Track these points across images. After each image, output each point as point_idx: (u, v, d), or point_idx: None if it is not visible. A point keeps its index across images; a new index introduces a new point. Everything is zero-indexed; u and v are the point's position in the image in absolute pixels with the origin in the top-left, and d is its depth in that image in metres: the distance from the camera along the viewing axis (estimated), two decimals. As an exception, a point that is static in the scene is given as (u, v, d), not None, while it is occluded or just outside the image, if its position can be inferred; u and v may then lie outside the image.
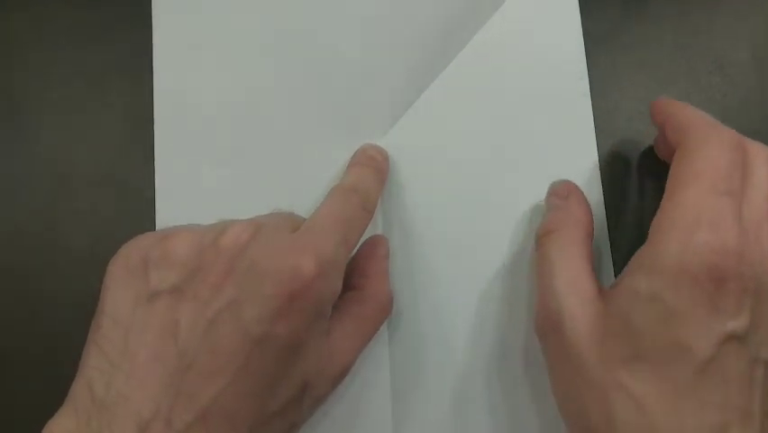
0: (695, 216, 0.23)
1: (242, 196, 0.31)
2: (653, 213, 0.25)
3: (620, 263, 0.31)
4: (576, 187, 0.30)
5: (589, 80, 0.33)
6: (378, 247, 0.30)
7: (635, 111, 0.33)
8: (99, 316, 0.23)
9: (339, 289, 0.25)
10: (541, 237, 0.28)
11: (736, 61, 0.34)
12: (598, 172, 0.32)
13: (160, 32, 0.32)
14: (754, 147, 0.25)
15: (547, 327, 0.26)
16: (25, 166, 0.33)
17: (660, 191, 0.25)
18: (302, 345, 0.23)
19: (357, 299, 0.28)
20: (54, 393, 0.24)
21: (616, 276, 0.31)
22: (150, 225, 0.31)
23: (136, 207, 0.32)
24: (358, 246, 0.29)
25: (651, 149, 0.33)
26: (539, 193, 0.30)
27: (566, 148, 0.31)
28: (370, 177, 0.29)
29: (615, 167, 0.32)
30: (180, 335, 0.22)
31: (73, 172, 0.33)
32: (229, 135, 0.32)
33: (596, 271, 0.26)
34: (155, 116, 0.32)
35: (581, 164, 0.31)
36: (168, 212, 0.31)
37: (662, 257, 0.23)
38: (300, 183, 0.31)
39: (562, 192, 0.29)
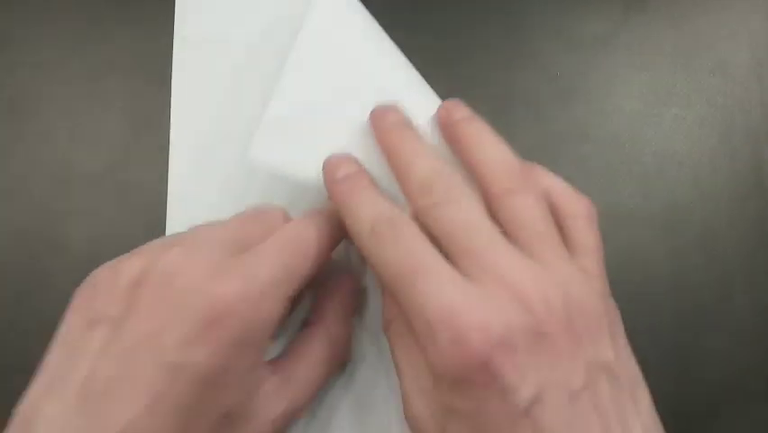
0: (424, 323, 0.21)
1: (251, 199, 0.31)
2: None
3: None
4: None
5: (589, 81, 0.33)
6: (345, 283, 0.28)
7: (635, 112, 0.33)
8: (53, 340, 0.24)
9: (275, 316, 0.24)
10: (385, 331, 0.26)
11: (736, 61, 0.34)
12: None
13: (179, 61, 0.33)
14: None
15: (413, 427, 0.24)
16: (25, 166, 0.33)
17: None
18: (222, 375, 0.22)
19: (309, 338, 0.27)
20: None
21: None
22: (150, 224, 0.31)
23: (136, 207, 0.32)
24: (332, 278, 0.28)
25: (654, 150, 0.33)
26: None
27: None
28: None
29: (615, 172, 0.33)
30: (105, 360, 0.22)
31: (73, 172, 0.33)
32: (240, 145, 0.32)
33: None
34: (172, 130, 0.32)
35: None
36: (179, 213, 0.31)
37: (427, 379, 0.22)
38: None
39: None
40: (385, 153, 0.26)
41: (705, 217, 0.32)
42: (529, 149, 0.33)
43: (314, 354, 0.26)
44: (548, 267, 0.23)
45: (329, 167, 0.26)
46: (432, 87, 0.33)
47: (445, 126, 0.26)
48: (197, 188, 0.32)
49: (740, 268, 0.31)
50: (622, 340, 0.24)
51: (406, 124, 0.26)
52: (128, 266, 0.23)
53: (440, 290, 0.21)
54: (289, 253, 0.24)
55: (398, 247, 0.23)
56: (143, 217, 0.32)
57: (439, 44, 0.34)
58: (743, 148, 0.33)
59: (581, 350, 0.22)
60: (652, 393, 0.30)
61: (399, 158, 0.25)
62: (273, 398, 0.24)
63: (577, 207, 0.25)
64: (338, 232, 0.26)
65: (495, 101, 0.33)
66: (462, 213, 0.23)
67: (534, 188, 0.25)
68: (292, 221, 0.26)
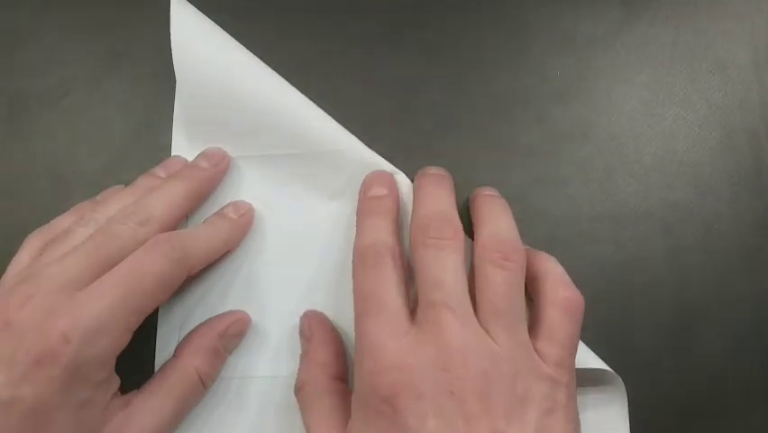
0: (360, 348, 0.25)
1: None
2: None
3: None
4: (319, 320, 0.29)
5: (589, 81, 0.33)
6: (219, 322, 0.29)
7: (635, 112, 0.33)
8: None
9: (112, 350, 0.24)
10: (296, 394, 0.28)
11: (736, 61, 0.34)
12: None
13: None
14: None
15: None
16: (25, 166, 0.33)
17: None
18: (50, 412, 0.23)
19: (164, 372, 0.27)
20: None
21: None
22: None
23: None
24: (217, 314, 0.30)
25: (654, 150, 0.33)
26: None
27: None
28: (202, 232, 0.29)
29: (615, 172, 0.33)
30: None
31: (73, 172, 0.33)
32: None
33: None
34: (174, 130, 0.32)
35: None
36: None
37: (353, 397, 0.25)
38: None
39: (306, 332, 0.29)
40: (414, 190, 0.29)
41: (705, 217, 0.32)
42: (529, 149, 0.33)
43: (165, 388, 0.27)
44: (491, 340, 0.24)
45: (366, 181, 0.29)
46: (432, 87, 0.33)
47: (474, 196, 0.30)
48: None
49: (740, 267, 0.32)
50: (557, 425, 0.24)
51: (443, 175, 0.29)
52: None
53: (380, 328, 0.24)
54: (126, 288, 0.25)
55: (373, 278, 0.26)
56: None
57: (439, 44, 0.34)
58: (743, 148, 0.33)
59: (488, 418, 0.23)
60: (652, 392, 0.30)
61: (418, 194, 0.28)
62: (121, 429, 0.25)
63: (558, 297, 0.26)
64: (190, 259, 0.27)
65: (495, 101, 0.33)
66: (440, 263, 0.25)
67: (514, 268, 0.26)
68: (133, 253, 0.26)
